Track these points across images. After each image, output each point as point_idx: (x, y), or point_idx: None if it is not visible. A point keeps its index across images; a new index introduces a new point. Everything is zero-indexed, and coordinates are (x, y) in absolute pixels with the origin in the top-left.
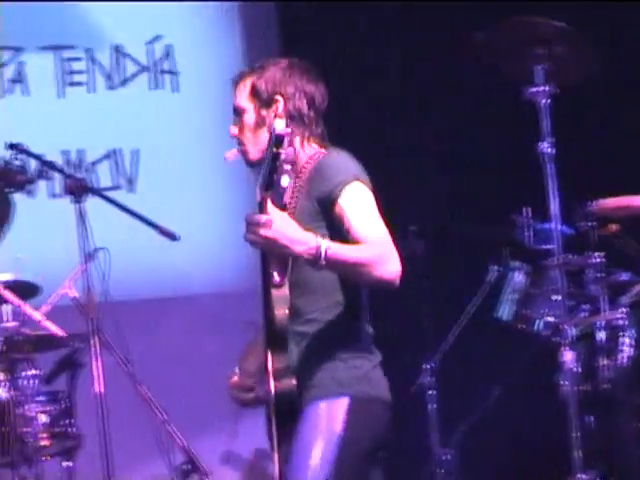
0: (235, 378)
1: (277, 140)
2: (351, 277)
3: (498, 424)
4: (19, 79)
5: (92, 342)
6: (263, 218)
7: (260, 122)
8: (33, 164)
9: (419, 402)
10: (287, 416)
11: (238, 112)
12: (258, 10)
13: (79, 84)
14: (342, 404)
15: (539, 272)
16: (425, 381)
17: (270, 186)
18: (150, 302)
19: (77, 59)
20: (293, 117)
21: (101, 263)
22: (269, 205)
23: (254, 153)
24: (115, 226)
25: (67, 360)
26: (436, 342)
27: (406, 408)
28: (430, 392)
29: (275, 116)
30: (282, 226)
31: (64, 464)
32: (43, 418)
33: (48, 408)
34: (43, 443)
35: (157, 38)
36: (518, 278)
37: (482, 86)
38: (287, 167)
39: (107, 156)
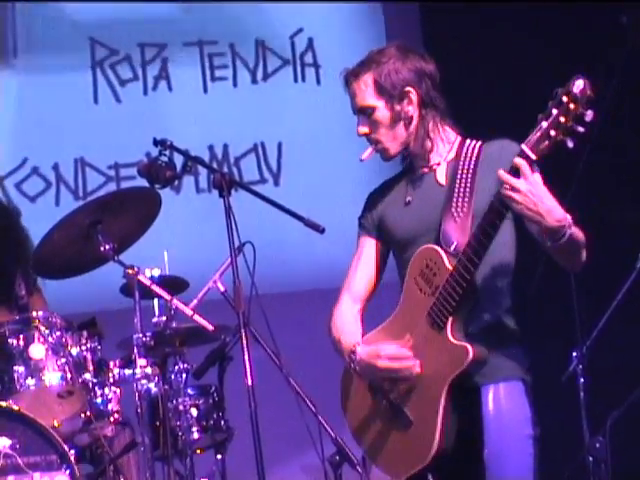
0: None
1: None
2: (568, 258)
3: None
4: (164, 75)
5: (241, 335)
6: (524, 186)
7: (396, 117)
8: (179, 159)
9: (569, 390)
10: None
11: (365, 111)
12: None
13: (223, 79)
14: (519, 387)
15: None
16: (575, 369)
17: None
18: (297, 295)
19: (220, 54)
20: (427, 104)
21: (247, 257)
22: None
23: (395, 148)
24: (261, 220)
25: (217, 354)
26: (587, 329)
27: (557, 396)
28: (581, 380)
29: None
30: (541, 193)
31: (216, 457)
32: (194, 412)
33: (199, 402)
34: (195, 436)
35: (299, 31)
36: None
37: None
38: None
39: (252, 150)
